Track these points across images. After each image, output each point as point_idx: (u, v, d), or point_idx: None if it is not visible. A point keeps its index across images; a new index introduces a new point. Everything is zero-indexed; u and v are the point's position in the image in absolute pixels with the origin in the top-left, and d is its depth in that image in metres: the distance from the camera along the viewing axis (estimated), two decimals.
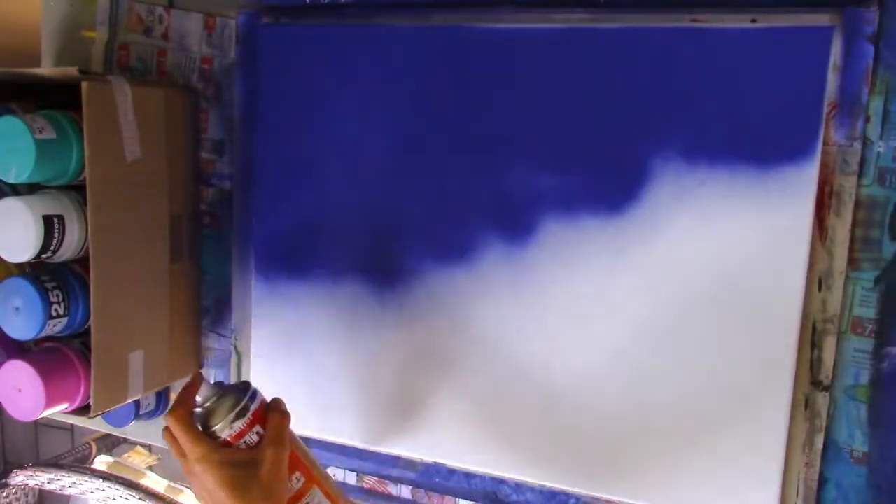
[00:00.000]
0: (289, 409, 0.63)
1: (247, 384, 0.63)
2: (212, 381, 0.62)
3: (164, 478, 1.30)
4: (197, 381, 0.61)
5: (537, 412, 0.72)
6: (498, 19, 0.70)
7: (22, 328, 0.71)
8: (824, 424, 0.64)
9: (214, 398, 0.61)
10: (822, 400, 0.64)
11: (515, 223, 0.70)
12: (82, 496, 1.15)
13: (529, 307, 0.71)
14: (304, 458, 0.63)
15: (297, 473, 0.61)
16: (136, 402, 0.86)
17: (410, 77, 0.73)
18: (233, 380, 0.86)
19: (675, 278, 0.66)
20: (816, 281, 0.63)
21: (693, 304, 0.66)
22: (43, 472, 1.16)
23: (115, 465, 1.34)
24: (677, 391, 0.67)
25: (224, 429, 0.59)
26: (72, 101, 0.69)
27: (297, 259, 0.79)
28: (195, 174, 0.84)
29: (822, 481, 0.65)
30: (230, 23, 0.81)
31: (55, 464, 1.20)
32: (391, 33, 0.73)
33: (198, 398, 0.61)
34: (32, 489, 1.31)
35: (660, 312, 0.67)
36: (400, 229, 0.75)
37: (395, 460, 0.80)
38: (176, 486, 1.26)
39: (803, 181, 0.61)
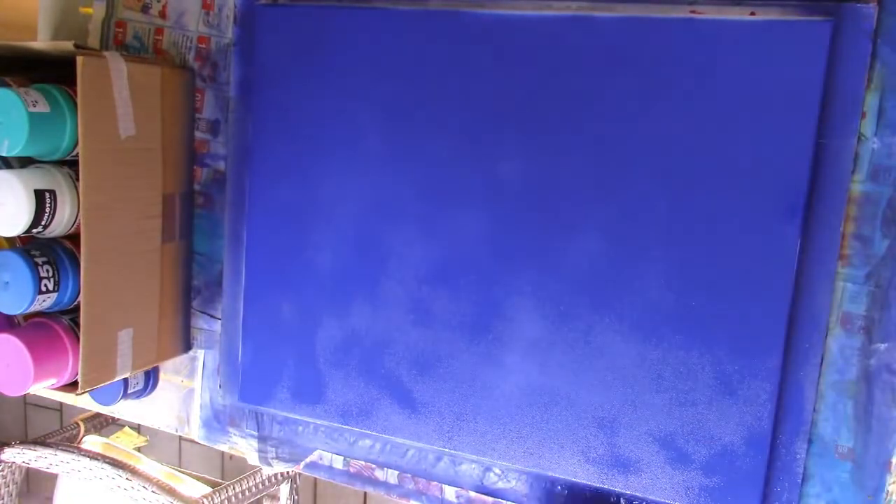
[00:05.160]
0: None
1: None
2: None
3: (152, 459, 1.30)
4: None
5: (524, 400, 0.72)
6: (496, 5, 0.70)
7: (11, 302, 0.71)
8: (810, 419, 0.64)
9: None
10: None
11: (502, 204, 0.70)
12: (69, 475, 1.14)
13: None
14: None
15: None
16: (125, 381, 0.86)
17: (407, 60, 0.73)
18: (217, 360, 0.86)
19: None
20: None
21: (684, 286, 0.66)
22: (30, 450, 1.16)
23: (104, 445, 1.33)
24: (665, 384, 0.67)
25: None
26: (67, 76, 0.69)
27: (290, 241, 0.79)
28: (189, 154, 0.84)
29: (807, 476, 0.66)
30: (228, 2, 0.81)
31: (42, 442, 1.19)
32: (389, 16, 0.73)
33: None
34: (19, 467, 1.31)
35: (648, 307, 0.67)
36: (395, 210, 0.75)
37: (383, 445, 0.80)
38: (173, 471, 1.26)
39: (797, 176, 0.62)
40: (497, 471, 0.76)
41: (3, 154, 0.67)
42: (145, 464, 1.26)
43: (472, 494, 0.78)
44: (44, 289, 0.71)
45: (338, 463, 0.83)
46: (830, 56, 0.60)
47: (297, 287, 0.79)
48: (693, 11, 0.64)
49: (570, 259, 0.69)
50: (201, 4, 0.82)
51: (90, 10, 0.87)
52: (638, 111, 0.66)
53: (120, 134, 0.73)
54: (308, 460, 0.84)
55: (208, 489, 1.21)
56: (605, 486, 0.70)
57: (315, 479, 1.77)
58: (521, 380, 0.72)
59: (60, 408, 2.10)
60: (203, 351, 0.88)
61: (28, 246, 0.73)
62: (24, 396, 1.87)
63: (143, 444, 1.62)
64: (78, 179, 0.69)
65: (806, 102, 0.61)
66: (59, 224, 0.72)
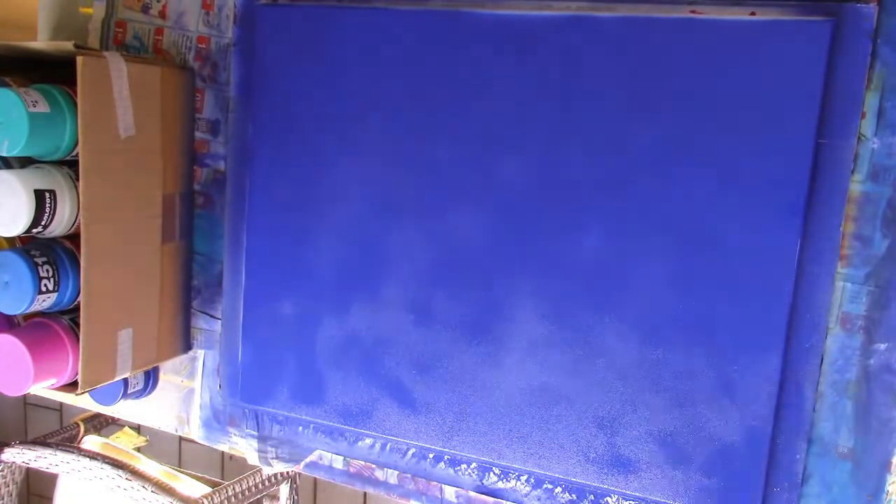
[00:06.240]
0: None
1: None
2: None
3: (152, 459, 1.30)
4: None
5: (524, 400, 0.72)
6: (497, 5, 0.70)
7: (10, 302, 0.71)
8: (810, 419, 0.64)
9: None
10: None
11: (502, 204, 0.70)
12: (69, 475, 1.14)
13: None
14: None
15: None
16: (125, 381, 0.86)
17: (407, 60, 0.73)
18: (217, 360, 0.86)
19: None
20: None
21: (683, 286, 0.66)
22: (30, 450, 1.16)
23: (104, 445, 1.33)
24: (665, 384, 0.67)
25: None
26: (67, 76, 0.69)
27: (290, 241, 0.79)
28: (189, 154, 0.84)
29: (807, 476, 0.66)
30: (228, 2, 0.81)
31: (42, 442, 1.19)
32: (389, 16, 0.73)
33: None
34: (19, 467, 1.31)
35: (646, 312, 0.67)
36: (395, 209, 0.75)
37: (383, 445, 0.80)
38: (173, 471, 1.26)
39: (797, 176, 0.62)
40: (497, 471, 0.76)
41: (3, 154, 0.67)
42: (145, 464, 1.26)
43: (472, 494, 0.78)
44: (44, 289, 0.71)
45: (338, 463, 0.83)
46: (830, 56, 0.60)
47: (297, 287, 0.79)
48: (693, 11, 0.64)
49: (571, 259, 0.69)
50: (201, 4, 0.82)
51: (90, 10, 0.87)
52: (638, 111, 0.66)
53: (120, 134, 0.73)
54: (308, 460, 0.84)
55: (208, 489, 1.21)
56: (605, 486, 0.70)
57: (315, 479, 1.77)
58: (521, 380, 0.72)
59: (60, 408, 2.10)
60: (203, 351, 0.88)
61: (28, 246, 0.73)
62: (24, 396, 1.87)
63: (143, 444, 1.62)
64: (78, 179, 0.69)
65: (806, 102, 0.61)
66: (59, 224, 0.72)
